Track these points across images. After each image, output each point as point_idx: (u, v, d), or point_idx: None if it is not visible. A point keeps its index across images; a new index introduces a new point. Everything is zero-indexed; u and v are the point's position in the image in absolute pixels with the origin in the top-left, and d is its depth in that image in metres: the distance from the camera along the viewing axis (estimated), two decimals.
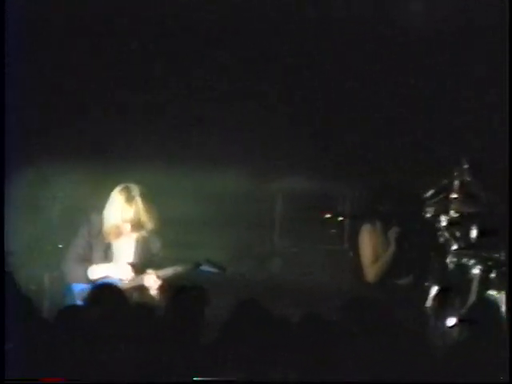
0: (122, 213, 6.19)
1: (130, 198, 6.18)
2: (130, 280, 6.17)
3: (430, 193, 6.75)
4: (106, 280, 6.07)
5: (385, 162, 7.71)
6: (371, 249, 6.48)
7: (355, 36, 7.65)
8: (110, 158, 7.45)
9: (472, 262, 6.64)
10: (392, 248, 6.48)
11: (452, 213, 6.77)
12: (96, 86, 7.64)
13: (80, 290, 6.10)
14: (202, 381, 4.42)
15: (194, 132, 7.73)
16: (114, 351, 4.61)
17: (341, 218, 7.41)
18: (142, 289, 6.16)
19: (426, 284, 6.49)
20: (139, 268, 6.22)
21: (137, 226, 6.21)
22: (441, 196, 6.79)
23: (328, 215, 7.36)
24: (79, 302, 5.70)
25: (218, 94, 7.74)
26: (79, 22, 7.46)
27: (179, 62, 7.71)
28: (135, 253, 6.27)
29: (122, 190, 6.24)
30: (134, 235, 6.26)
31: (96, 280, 6.16)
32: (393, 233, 6.47)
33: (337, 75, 7.72)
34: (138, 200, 6.18)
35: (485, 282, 6.55)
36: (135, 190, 6.21)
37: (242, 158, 7.73)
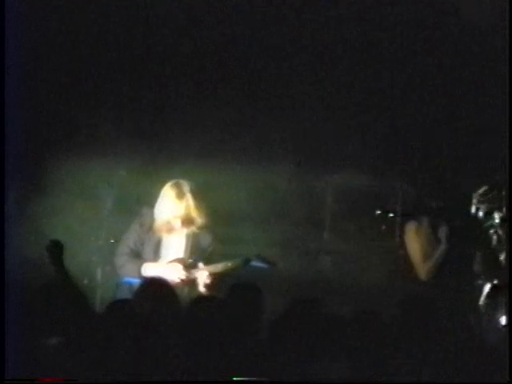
0: (173, 209, 6.23)
1: (180, 194, 6.22)
2: (181, 276, 6.20)
3: (482, 189, 6.66)
4: (157, 275, 6.12)
5: (437, 158, 7.63)
6: (420, 247, 6.43)
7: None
8: (161, 153, 7.47)
9: None
10: (443, 245, 6.42)
11: (505, 210, 6.67)
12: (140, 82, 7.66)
13: (131, 284, 6.16)
14: (204, 381, 4.39)
15: (245, 128, 7.73)
16: (164, 347, 4.61)
17: (391, 215, 7.34)
18: (193, 284, 6.19)
19: (480, 282, 6.41)
20: (190, 264, 6.24)
21: (187, 221, 6.24)
22: (494, 193, 6.70)
23: (378, 211, 7.31)
24: (131, 297, 5.74)
25: (269, 89, 7.73)
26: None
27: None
28: (186, 248, 6.30)
29: (172, 185, 6.28)
30: (185, 231, 6.28)
31: (147, 275, 6.21)
32: (443, 230, 6.41)
33: (391, 70, 7.66)
34: (189, 196, 6.20)
35: None
36: (186, 185, 6.23)
37: (293, 154, 7.70)
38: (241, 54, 7.66)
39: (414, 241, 6.48)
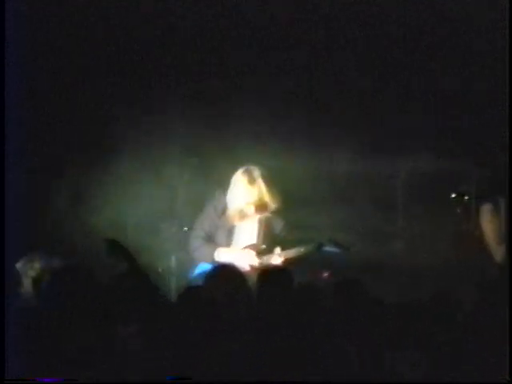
0: (245, 195, 6.25)
1: (251, 180, 6.23)
2: (254, 262, 6.21)
3: None
4: (231, 261, 6.14)
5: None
6: (496, 228, 6.31)
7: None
8: (229, 139, 7.50)
9: None
10: None
11: None
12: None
13: (206, 269, 6.19)
14: (203, 381, 4.36)
15: (310, 113, 7.68)
16: (236, 339, 4.58)
17: (466, 197, 7.22)
18: (267, 271, 6.18)
19: None
20: (263, 250, 6.25)
21: (260, 207, 6.25)
22: None
23: (454, 195, 7.19)
24: (205, 282, 5.77)
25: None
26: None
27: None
28: (259, 234, 6.31)
29: (243, 172, 6.29)
30: (258, 216, 6.29)
31: (222, 261, 6.24)
32: None
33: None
34: (260, 182, 6.20)
35: None
36: (256, 171, 6.24)
37: (362, 138, 7.63)
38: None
39: (489, 222, 6.36)
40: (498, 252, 6.35)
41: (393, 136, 7.71)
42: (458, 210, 7.38)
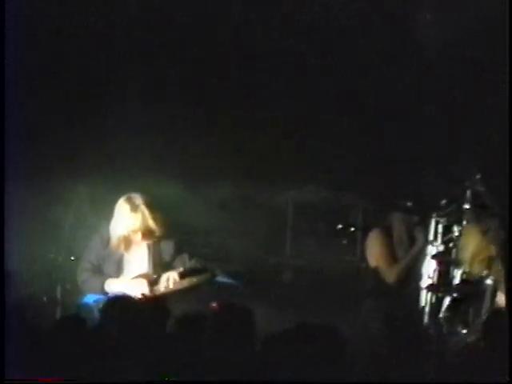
0: (129, 222, 6.24)
1: (134, 207, 6.24)
2: (148, 291, 6.18)
3: (443, 202, 6.74)
4: (121, 292, 6.09)
5: (397, 171, 7.71)
6: (383, 251, 6.47)
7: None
8: (116, 167, 7.47)
9: (485, 272, 6.62)
10: (416, 247, 6.49)
11: (464, 223, 6.75)
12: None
13: (95, 301, 6.12)
14: (203, 381, 4.38)
15: (202, 141, 7.74)
16: (124, 359, 4.57)
17: (352, 229, 7.40)
18: (158, 299, 6.17)
19: (440, 295, 6.47)
20: (154, 279, 6.23)
21: (146, 234, 6.24)
22: (454, 206, 6.78)
23: (340, 226, 7.36)
24: (95, 314, 5.69)
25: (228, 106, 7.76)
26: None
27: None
28: (149, 261, 6.30)
29: (125, 200, 6.29)
30: (146, 243, 6.27)
31: (111, 292, 6.18)
32: (417, 230, 6.48)
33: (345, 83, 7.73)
34: (143, 208, 6.20)
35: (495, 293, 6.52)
36: (138, 198, 6.25)
37: (252, 168, 7.73)
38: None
39: (375, 246, 6.51)
40: (389, 273, 6.51)
41: (281, 165, 7.83)
42: (344, 242, 7.55)
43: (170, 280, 6.21)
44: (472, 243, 6.33)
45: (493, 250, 6.29)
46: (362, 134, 7.81)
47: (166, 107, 7.66)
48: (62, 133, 7.60)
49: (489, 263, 6.31)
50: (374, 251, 6.56)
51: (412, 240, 6.58)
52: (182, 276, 6.21)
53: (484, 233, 6.34)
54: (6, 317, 4.61)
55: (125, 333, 4.87)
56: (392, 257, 6.50)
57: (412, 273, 6.56)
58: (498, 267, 6.29)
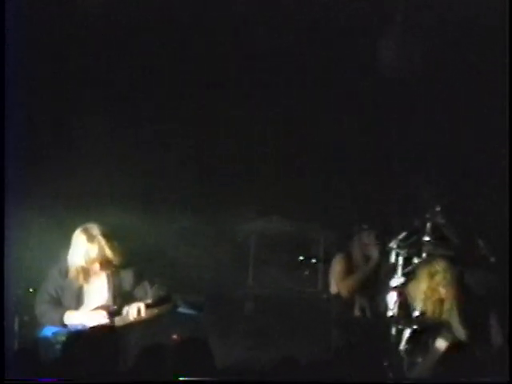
0: (86, 252, 6.22)
1: (91, 237, 6.23)
2: (108, 322, 6.13)
3: (403, 234, 6.82)
4: (80, 324, 6.04)
5: (358, 202, 7.75)
6: (339, 266, 6.77)
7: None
8: (73, 197, 7.44)
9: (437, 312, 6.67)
10: (370, 263, 6.67)
11: (424, 255, 6.83)
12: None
13: (54, 333, 6.06)
14: (203, 381, 4.35)
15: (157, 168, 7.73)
16: None
17: (314, 260, 7.43)
18: (119, 330, 6.12)
19: (400, 327, 6.52)
20: (114, 310, 6.18)
21: (104, 264, 6.22)
22: (414, 238, 6.86)
23: (302, 257, 7.39)
24: (54, 347, 5.64)
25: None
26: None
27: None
28: (108, 291, 6.25)
29: (81, 231, 6.27)
30: (105, 273, 6.24)
31: (70, 324, 6.13)
32: (373, 249, 6.73)
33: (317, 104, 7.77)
34: (100, 238, 6.17)
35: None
36: (95, 229, 6.23)
37: (215, 197, 7.73)
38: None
39: (335, 268, 6.84)
40: (343, 286, 6.75)
41: (245, 195, 7.84)
42: (306, 273, 7.58)
43: (131, 311, 6.17)
44: (423, 285, 6.44)
45: (442, 293, 6.39)
46: (325, 165, 7.86)
47: (127, 132, 7.66)
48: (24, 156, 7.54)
49: (439, 305, 6.40)
50: (334, 273, 6.85)
51: (368, 259, 6.83)
52: (144, 306, 6.18)
53: (433, 275, 6.45)
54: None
55: (84, 366, 4.81)
56: (348, 275, 6.78)
57: (374, 302, 6.67)
58: (451, 308, 6.38)
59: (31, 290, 6.47)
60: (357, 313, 6.78)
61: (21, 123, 7.00)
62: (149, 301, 6.19)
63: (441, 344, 6.26)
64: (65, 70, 7.50)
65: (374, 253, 6.80)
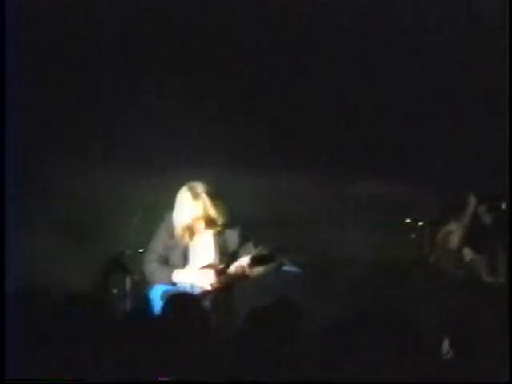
0: (191, 210, 6.33)
1: (195, 195, 6.31)
2: (215, 282, 6.25)
3: None
4: (188, 283, 6.19)
5: (467, 164, 7.66)
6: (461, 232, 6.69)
7: None
8: (177, 157, 7.57)
9: None
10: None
11: None
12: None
13: (164, 291, 6.23)
14: (198, 381, 4.41)
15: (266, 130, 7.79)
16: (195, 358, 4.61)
17: (421, 223, 7.38)
18: (225, 290, 6.25)
19: None
20: (221, 269, 6.31)
21: (209, 222, 6.31)
22: None
23: (408, 220, 7.34)
24: (162, 304, 5.80)
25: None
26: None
27: None
28: (215, 251, 6.37)
29: (186, 189, 6.38)
30: (210, 232, 6.34)
31: (179, 283, 6.29)
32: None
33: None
34: (204, 196, 6.26)
35: None
36: (200, 187, 6.33)
37: (317, 157, 7.75)
38: None
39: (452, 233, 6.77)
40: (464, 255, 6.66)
41: (349, 159, 7.82)
42: (413, 236, 7.53)
43: (236, 270, 6.28)
44: None
45: None
46: (430, 127, 7.78)
47: (220, 96, 7.73)
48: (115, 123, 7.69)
49: None
50: (451, 238, 6.82)
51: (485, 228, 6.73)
52: (250, 265, 6.27)
53: None
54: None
55: (191, 325, 4.92)
56: (465, 239, 6.72)
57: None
58: None
59: (141, 251, 6.64)
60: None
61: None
62: (253, 260, 6.28)
63: None
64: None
65: (487, 218, 6.66)
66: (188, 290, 6.22)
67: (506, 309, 4.63)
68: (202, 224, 6.34)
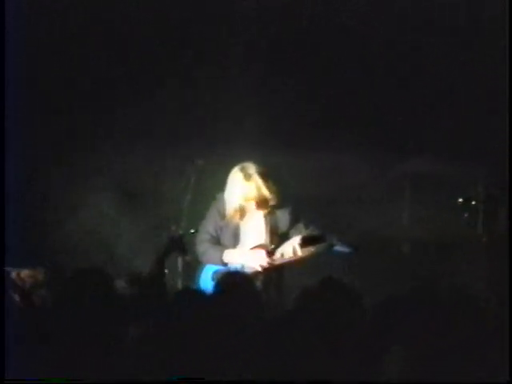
0: (243, 191, 6.36)
1: (247, 176, 6.34)
2: (264, 263, 6.29)
3: None
4: (239, 263, 6.25)
5: None
6: None
7: None
8: (229, 138, 7.61)
9: None
10: None
11: None
12: None
13: (215, 272, 6.27)
14: (202, 381, 4.41)
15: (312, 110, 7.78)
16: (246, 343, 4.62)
17: (474, 202, 7.31)
18: (277, 270, 6.27)
19: None
20: (272, 250, 6.33)
21: (260, 203, 6.34)
22: None
23: (461, 199, 7.28)
24: (215, 285, 5.85)
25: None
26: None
27: None
28: (266, 232, 6.39)
29: (238, 169, 6.40)
30: (261, 213, 6.36)
31: (230, 263, 6.34)
32: None
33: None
34: (256, 177, 6.29)
35: None
36: (252, 168, 6.35)
37: (366, 138, 7.73)
38: None
39: None
40: None
41: (398, 137, 7.78)
42: (466, 215, 7.47)
43: (287, 250, 6.30)
44: None
45: None
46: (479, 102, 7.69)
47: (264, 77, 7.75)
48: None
49: None
50: None
51: None
52: (301, 245, 6.28)
53: None
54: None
55: (242, 305, 4.94)
56: None
57: None
58: None
59: (192, 231, 6.70)
60: None
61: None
62: (304, 240, 6.28)
63: None
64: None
65: None
66: (239, 270, 6.28)
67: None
68: (253, 205, 6.38)
